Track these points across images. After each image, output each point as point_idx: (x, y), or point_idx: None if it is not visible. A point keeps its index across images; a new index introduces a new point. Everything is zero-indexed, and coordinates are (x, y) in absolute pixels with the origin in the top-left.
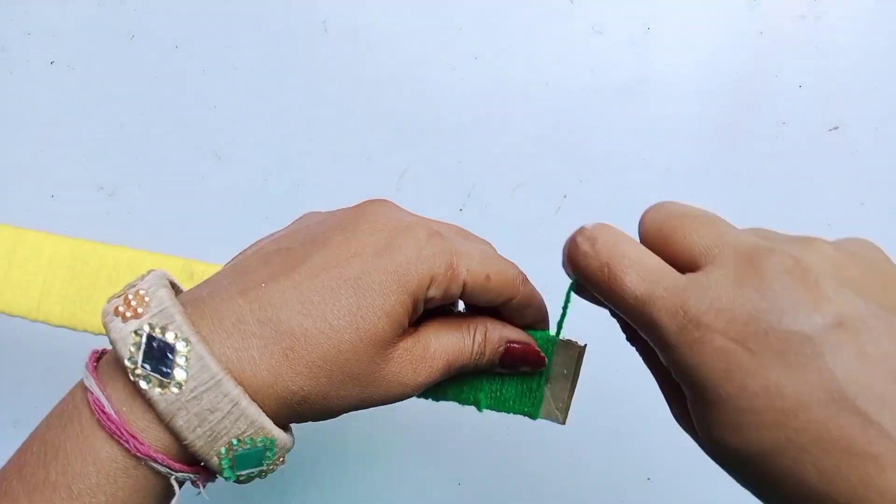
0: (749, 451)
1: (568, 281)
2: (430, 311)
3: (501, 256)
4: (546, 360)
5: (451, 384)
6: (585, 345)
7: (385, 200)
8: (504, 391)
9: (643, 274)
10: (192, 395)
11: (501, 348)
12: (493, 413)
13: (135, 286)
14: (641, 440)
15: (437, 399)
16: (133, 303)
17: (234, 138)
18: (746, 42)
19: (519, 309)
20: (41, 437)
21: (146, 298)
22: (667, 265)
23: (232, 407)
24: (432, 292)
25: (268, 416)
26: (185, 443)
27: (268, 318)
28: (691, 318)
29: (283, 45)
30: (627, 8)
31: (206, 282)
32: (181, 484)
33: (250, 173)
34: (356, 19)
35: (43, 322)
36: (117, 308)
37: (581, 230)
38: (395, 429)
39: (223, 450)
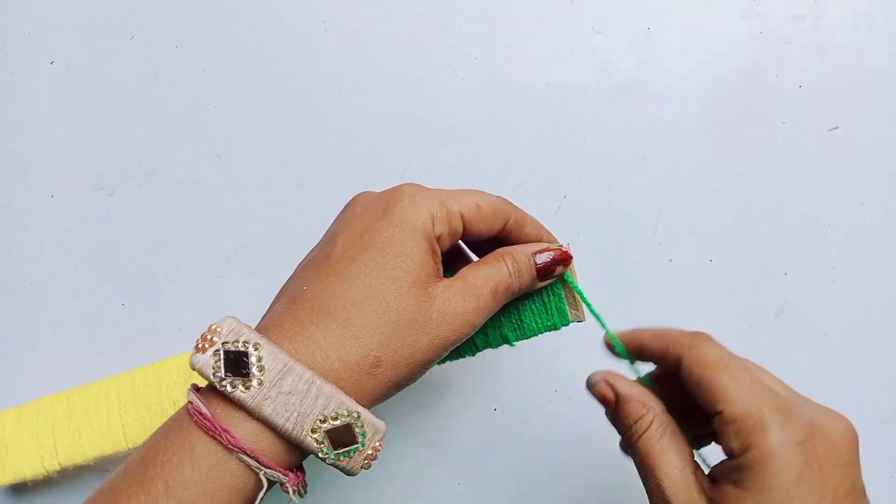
0: None
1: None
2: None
3: (483, 190)
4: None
5: (478, 333)
6: (568, 244)
7: (364, 191)
8: (523, 318)
9: (756, 377)
10: (272, 384)
11: (532, 262)
12: (494, 413)
13: (208, 327)
14: None
15: (473, 352)
16: (208, 336)
17: (234, 138)
18: (746, 42)
19: (518, 229)
20: (146, 444)
21: (218, 329)
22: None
23: (309, 386)
24: (438, 228)
25: (352, 392)
26: (278, 430)
27: (319, 307)
28: (795, 420)
29: (283, 45)
30: (627, 8)
31: (264, 315)
32: (270, 484)
33: (250, 173)
34: (356, 19)
35: (133, 448)
36: (197, 345)
37: None
38: (395, 428)
39: (314, 428)
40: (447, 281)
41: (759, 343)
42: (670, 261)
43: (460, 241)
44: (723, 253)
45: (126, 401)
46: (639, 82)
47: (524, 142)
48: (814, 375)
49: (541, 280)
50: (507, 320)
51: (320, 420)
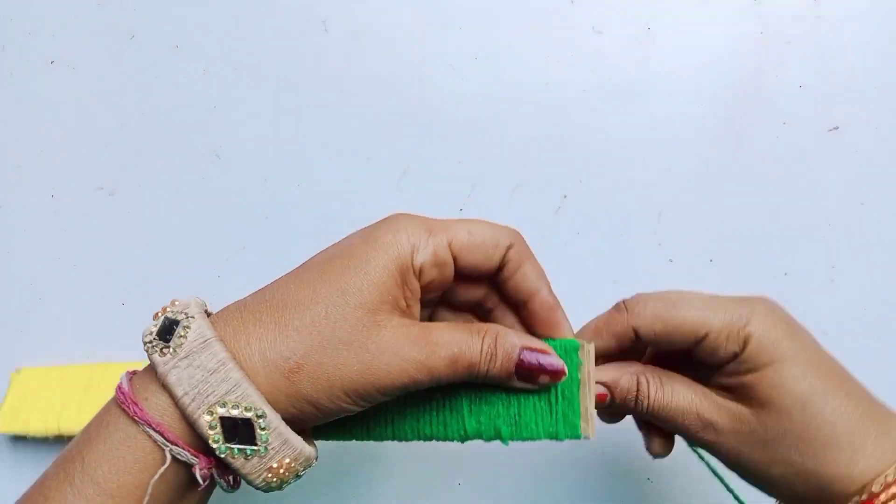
0: (818, 391)
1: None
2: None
3: (485, 220)
4: (567, 369)
5: (470, 416)
6: (592, 342)
7: (400, 214)
8: (522, 414)
9: (701, 298)
10: (185, 354)
11: (515, 355)
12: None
13: (170, 301)
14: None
15: (461, 437)
16: (166, 307)
17: (234, 138)
18: (746, 42)
19: (516, 265)
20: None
21: (176, 302)
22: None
23: (219, 365)
24: (419, 258)
25: (265, 391)
26: (177, 401)
27: (266, 299)
28: (758, 312)
29: (283, 45)
30: (627, 8)
31: None
32: (177, 462)
33: (250, 173)
34: (356, 19)
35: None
36: (156, 314)
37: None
38: None
39: (210, 410)
40: (405, 320)
41: None
42: (670, 261)
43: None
44: (723, 253)
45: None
46: (639, 82)
47: (524, 142)
48: None
49: (519, 380)
50: (505, 410)
51: (220, 404)
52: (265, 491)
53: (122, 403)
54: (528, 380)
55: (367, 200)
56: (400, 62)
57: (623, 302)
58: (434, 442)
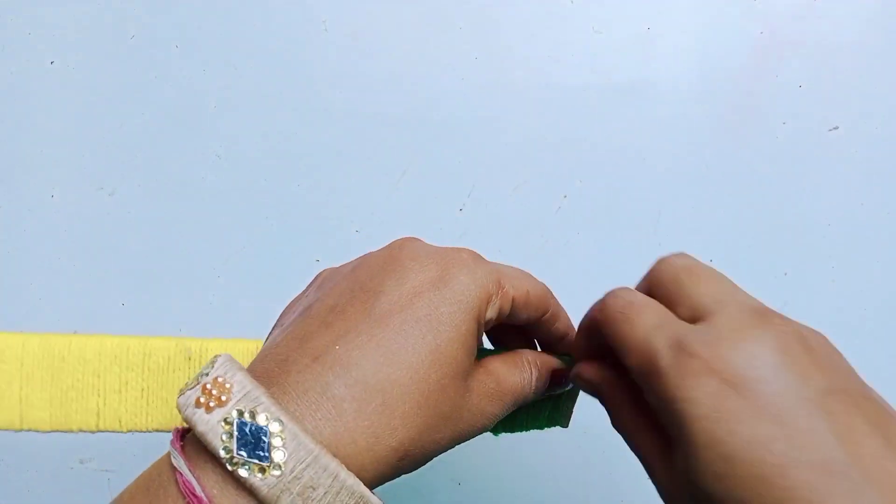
0: (728, 501)
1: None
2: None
3: (530, 274)
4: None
5: None
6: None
7: (412, 237)
8: (516, 417)
9: (652, 315)
10: (293, 475)
11: (547, 379)
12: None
13: (209, 374)
14: None
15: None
16: (214, 392)
17: (234, 138)
18: (746, 42)
19: (552, 322)
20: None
21: (227, 385)
22: (673, 315)
23: (332, 481)
24: (490, 313)
25: (368, 481)
26: None
27: (354, 380)
28: (688, 350)
29: (283, 45)
30: (627, 8)
31: (267, 355)
32: None
33: (250, 173)
34: (356, 19)
35: (30, 430)
36: (199, 399)
37: (608, 294)
38: None
39: None
40: (481, 376)
41: None
42: None
43: None
44: (723, 253)
45: (32, 372)
46: (639, 82)
47: (524, 142)
48: None
49: (537, 394)
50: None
51: None
52: None
53: None
54: (546, 393)
55: (367, 200)
56: (400, 62)
57: (613, 292)
58: None
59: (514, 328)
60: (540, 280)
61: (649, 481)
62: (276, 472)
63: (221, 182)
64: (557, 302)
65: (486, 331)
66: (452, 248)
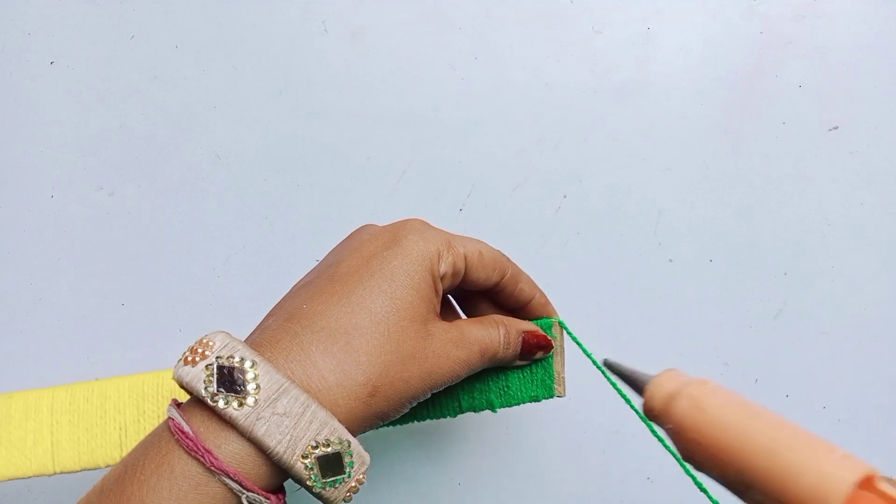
0: None
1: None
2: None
3: (484, 241)
4: (552, 342)
5: (464, 394)
6: (561, 320)
7: (368, 223)
8: (510, 385)
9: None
10: (267, 404)
11: (520, 339)
12: (492, 414)
13: (196, 341)
14: (641, 440)
15: (455, 414)
16: (199, 350)
17: (234, 138)
18: (746, 42)
19: (514, 284)
20: (124, 461)
21: (209, 343)
22: None
23: (304, 409)
24: (443, 267)
25: (344, 420)
26: (268, 451)
27: (319, 327)
28: None
29: (283, 45)
30: (627, 8)
31: (253, 330)
32: None
33: (250, 173)
34: (356, 19)
35: (61, 473)
36: (186, 358)
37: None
38: (395, 429)
39: (304, 453)
40: (444, 325)
41: (760, 343)
42: (670, 261)
43: (449, 296)
44: (723, 253)
45: (61, 417)
46: (639, 82)
47: (524, 142)
48: (814, 375)
49: (521, 359)
50: (495, 385)
51: (312, 446)
52: None
53: (194, 451)
54: (527, 357)
55: (366, 200)
56: (400, 62)
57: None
58: (434, 439)
59: (486, 301)
60: (493, 247)
61: (648, 482)
62: (251, 402)
63: (221, 182)
64: (517, 266)
65: (462, 305)
66: (403, 219)
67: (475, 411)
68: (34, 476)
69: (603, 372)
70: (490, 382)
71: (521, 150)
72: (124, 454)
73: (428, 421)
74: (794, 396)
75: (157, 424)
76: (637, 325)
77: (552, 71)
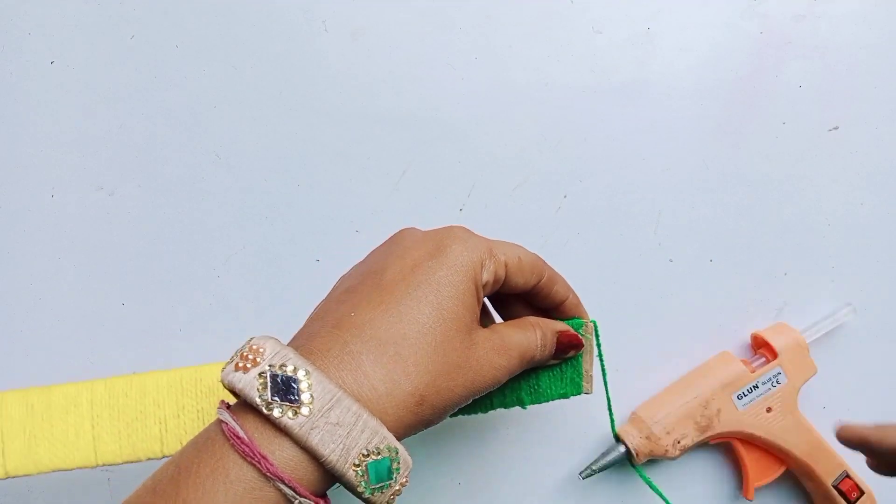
0: None
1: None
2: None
3: (521, 245)
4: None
5: (496, 394)
6: (594, 320)
7: (410, 227)
8: (541, 384)
9: None
10: (321, 413)
11: (555, 340)
12: (493, 413)
13: (245, 346)
14: None
15: (486, 411)
16: (249, 356)
17: (234, 138)
18: (746, 42)
19: (550, 287)
20: (176, 462)
21: (260, 350)
22: None
23: (356, 419)
24: (485, 276)
25: (392, 428)
26: (322, 460)
27: (368, 336)
28: None
29: (283, 45)
30: (627, 8)
31: (295, 336)
32: None
33: (250, 173)
34: (356, 19)
35: (103, 465)
36: (237, 365)
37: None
38: None
39: (356, 461)
40: (486, 333)
41: None
42: (670, 261)
43: (485, 298)
44: (723, 253)
45: (101, 411)
46: (639, 82)
47: (524, 142)
48: (813, 375)
49: (554, 358)
50: (526, 383)
51: (363, 454)
52: None
53: (249, 457)
54: (560, 356)
55: (366, 200)
56: (400, 62)
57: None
58: (434, 439)
59: (520, 303)
60: (531, 251)
61: (647, 486)
62: (305, 412)
63: (221, 182)
64: (552, 268)
65: (496, 306)
66: (446, 227)
67: (506, 408)
68: (77, 468)
69: (605, 383)
70: (522, 381)
71: (521, 150)
72: (165, 449)
73: None
74: None
75: (195, 420)
76: (637, 325)
77: (552, 71)
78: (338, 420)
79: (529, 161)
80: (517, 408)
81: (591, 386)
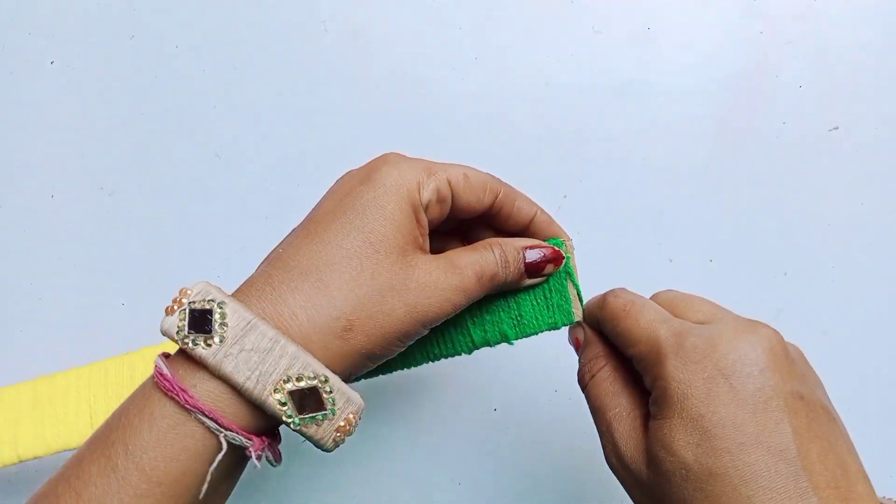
0: (698, 469)
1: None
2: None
3: (469, 165)
4: (564, 254)
5: (475, 328)
6: (570, 239)
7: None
8: (523, 313)
9: (654, 311)
10: (234, 341)
11: (521, 255)
12: (494, 413)
13: (180, 290)
14: None
15: (469, 349)
16: (178, 298)
17: (234, 138)
18: (746, 42)
19: (510, 204)
20: (113, 413)
21: (188, 291)
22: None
23: (273, 344)
24: (425, 195)
25: (320, 356)
26: (239, 388)
27: (291, 267)
28: (690, 341)
29: (283, 45)
30: (627, 8)
31: None
32: (233, 448)
33: (250, 173)
34: (356, 19)
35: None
36: (167, 309)
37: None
38: (396, 429)
39: (276, 388)
40: (430, 255)
41: None
42: (670, 261)
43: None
44: (723, 253)
45: (97, 391)
46: (639, 82)
47: (524, 142)
48: None
49: (529, 277)
50: (507, 314)
51: (283, 380)
52: (331, 450)
53: (170, 391)
54: (537, 273)
55: None
56: (400, 62)
57: (609, 291)
58: (434, 439)
59: (488, 230)
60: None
61: None
62: (217, 340)
63: (221, 182)
64: (511, 186)
65: (462, 237)
66: (381, 155)
67: (490, 345)
68: (79, 446)
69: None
70: (501, 313)
71: (521, 150)
72: None
73: (429, 417)
74: None
75: None
76: None
77: (552, 70)
78: (252, 346)
79: (529, 161)
80: (517, 407)
81: (580, 312)
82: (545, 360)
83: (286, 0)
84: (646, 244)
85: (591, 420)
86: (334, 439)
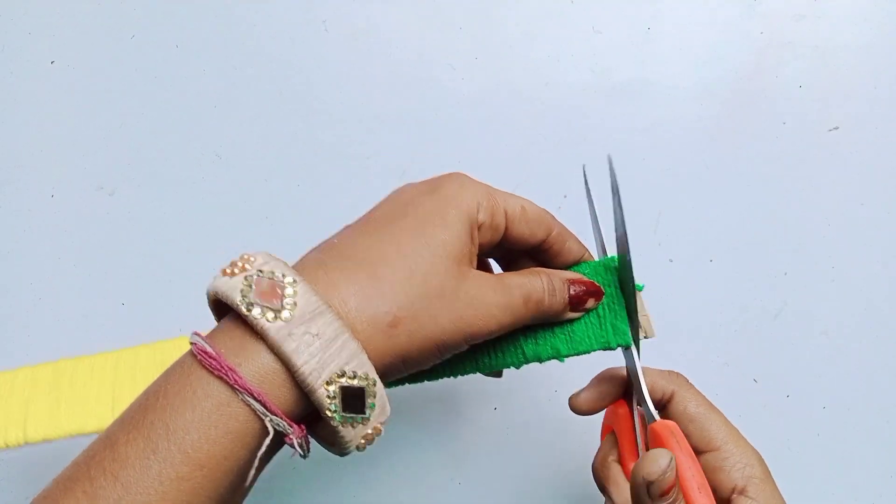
0: None
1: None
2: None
3: (529, 199)
4: (603, 288)
5: (527, 341)
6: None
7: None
8: (575, 331)
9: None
10: (301, 321)
11: (566, 286)
12: (494, 413)
13: (240, 255)
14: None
15: (519, 363)
16: (239, 263)
17: (234, 138)
18: (746, 42)
19: (562, 243)
20: (145, 391)
21: (251, 259)
22: None
23: (337, 335)
24: (482, 216)
25: (362, 345)
26: (295, 370)
27: (346, 256)
28: None
29: (283, 45)
30: (627, 8)
31: None
32: (277, 441)
33: (250, 173)
34: (356, 19)
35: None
36: (224, 271)
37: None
38: (396, 429)
39: (329, 380)
40: (481, 272)
41: (760, 343)
42: (670, 261)
43: (492, 260)
44: (723, 253)
45: (124, 377)
46: (639, 82)
47: (524, 142)
48: (814, 375)
49: (572, 310)
50: (561, 330)
51: (338, 374)
52: (346, 455)
53: (217, 370)
54: (579, 307)
55: (366, 200)
56: (400, 62)
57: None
58: (435, 438)
59: (532, 263)
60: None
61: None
62: (286, 315)
63: (221, 182)
64: (563, 225)
65: (505, 266)
66: (446, 172)
67: (541, 360)
68: (96, 431)
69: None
70: (555, 328)
71: (521, 150)
72: None
73: (429, 417)
74: (794, 396)
75: None
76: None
77: (552, 71)
78: (318, 331)
79: (529, 161)
80: (516, 407)
81: (650, 329)
82: None
83: (286, 0)
84: (646, 244)
85: (591, 420)
86: (358, 445)
